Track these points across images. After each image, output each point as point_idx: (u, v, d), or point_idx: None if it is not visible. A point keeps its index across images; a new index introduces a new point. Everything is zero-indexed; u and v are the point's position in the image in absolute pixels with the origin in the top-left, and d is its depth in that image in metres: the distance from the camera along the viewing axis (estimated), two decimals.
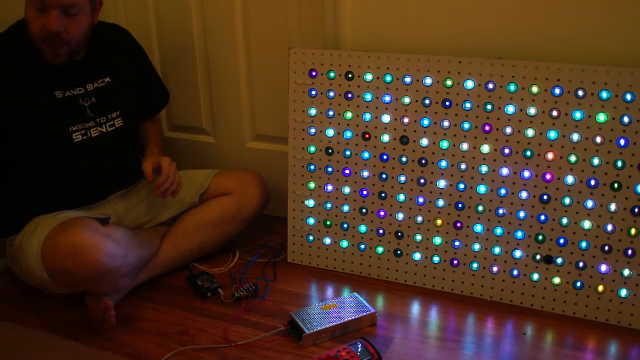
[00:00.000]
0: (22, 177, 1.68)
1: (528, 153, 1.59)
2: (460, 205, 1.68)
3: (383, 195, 1.75)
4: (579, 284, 1.59)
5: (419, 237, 1.74)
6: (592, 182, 1.54)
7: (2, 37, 1.64)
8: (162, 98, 1.99)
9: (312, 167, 1.82)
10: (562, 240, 1.59)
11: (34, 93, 1.61)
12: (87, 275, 1.50)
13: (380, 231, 1.77)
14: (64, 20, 1.54)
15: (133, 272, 1.66)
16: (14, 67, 1.60)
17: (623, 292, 1.55)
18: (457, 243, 1.70)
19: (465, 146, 1.65)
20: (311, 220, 1.85)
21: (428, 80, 1.65)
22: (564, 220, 1.58)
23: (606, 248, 1.55)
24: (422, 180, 1.70)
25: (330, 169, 1.80)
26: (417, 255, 1.74)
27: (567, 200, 1.57)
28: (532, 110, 1.57)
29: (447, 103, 1.64)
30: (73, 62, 1.66)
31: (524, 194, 1.61)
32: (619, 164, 1.51)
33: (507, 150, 1.60)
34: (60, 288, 1.62)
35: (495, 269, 1.67)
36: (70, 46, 1.59)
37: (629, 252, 1.54)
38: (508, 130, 1.60)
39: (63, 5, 1.52)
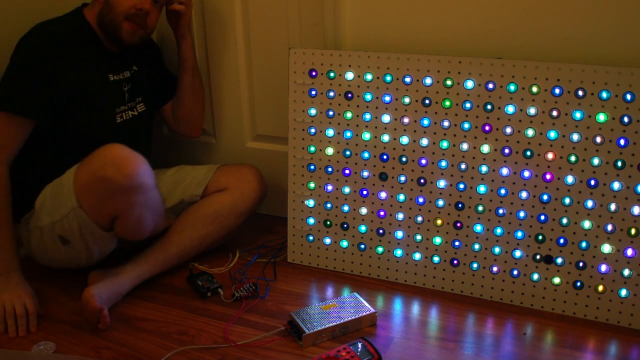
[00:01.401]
0: (48, 154, 1.75)
1: (528, 153, 1.59)
2: (460, 205, 1.68)
3: (383, 195, 1.75)
4: (579, 284, 1.59)
5: (419, 237, 1.74)
6: (592, 182, 1.54)
7: (63, 20, 1.77)
8: (175, 85, 2.04)
9: (312, 167, 1.82)
10: (562, 240, 1.59)
11: (94, 72, 1.77)
12: (124, 183, 1.51)
13: (380, 231, 1.77)
14: (152, 4, 1.75)
15: (155, 214, 1.66)
16: (77, 46, 1.73)
17: (623, 292, 1.55)
18: (457, 243, 1.70)
19: (465, 146, 1.65)
20: (311, 220, 1.85)
21: (428, 80, 1.65)
22: (564, 220, 1.58)
23: (606, 248, 1.56)
24: (422, 180, 1.70)
25: (330, 169, 1.80)
26: (417, 255, 1.74)
27: (567, 200, 1.57)
28: (532, 110, 1.57)
29: (447, 103, 1.64)
30: (118, 51, 1.82)
31: (524, 194, 1.61)
32: (619, 164, 1.51)
33: (507, 150, 1.60)
34: (84, 231, 1.62)
35: (495, 269, 1.67)
36: (145, 31, 1.78)
37: (629, 252, 1.54)
38: (508, 130, 1.60)
39: None
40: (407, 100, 1.68)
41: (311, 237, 1.86)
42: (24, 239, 1.77)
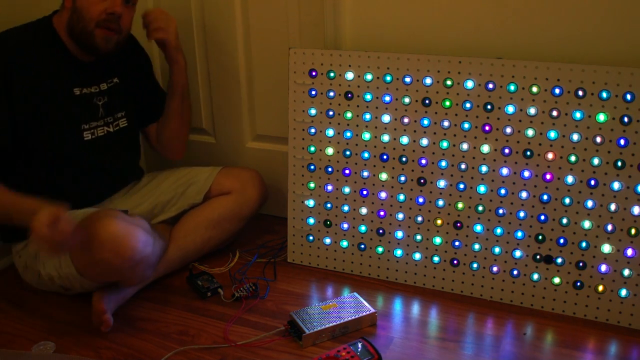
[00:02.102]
0: (26, 175, 1.68)
1: (528, 153, 1.59)
2: (460, 205, 1.68)
3: (383, 194, 1.75)
4: (579, 284, 1.59)
5: (419, 237, 1.74)
6: (592, 182, 1.54)
7: (28, 28, 1.65)
8: (163, 103, 1.97)
9: (312, 167, 1.82)
10: (562, 240, 1.59)
11: (54, 86, 1.64)
12: (123, 264, 1.50)
13: (380, 231, 1.77)
14: (123, 6, 1.63)
15: (156, 263, 1.67)
16: (38, 57, 1.62)
17: (623, 292, 1.55)
18: (457, 243, 1.70)
19: (465, 146, 1.65)
20: (311, 220, 1.85)
21: (428, 80, 1.65)
22: (564, 220, 1.58)
23: (606, 248, 1.56)
24: (422, 180, 1.70)
25: (330, 169, 1.80)
26: (417, 255, 1.74)
27: (567, 200, 1.57)
28: (532, 110, 1.57)
29: (447, 103, 1.64)
30: (93, 60, 1.70)
31: (524, 194, 1.61)
32: (619, 164, 1.51)
33: (507, 150, 1.60)
34: (86, 286, 1.61)
35: (495, 269, 1.67)
36: (121, 35, 1.66)
37: (629, 252, 1.54)
38: (508, 130, 1.60)
39: None
40: (407, 100, 1.68)
41: (311, 237, 1.86)
42: (18, 266, 1.75)
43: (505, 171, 1.62)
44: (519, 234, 1.63)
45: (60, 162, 1.68)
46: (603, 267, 1.56)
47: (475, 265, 1.69)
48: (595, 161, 1.53)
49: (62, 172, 1.70)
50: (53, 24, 1.66)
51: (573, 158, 1.55)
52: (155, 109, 1.92)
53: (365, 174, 1.76)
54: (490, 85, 1.59)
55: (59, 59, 1.65)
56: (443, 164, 1.67)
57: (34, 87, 1.60)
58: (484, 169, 1.64)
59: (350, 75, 1.72)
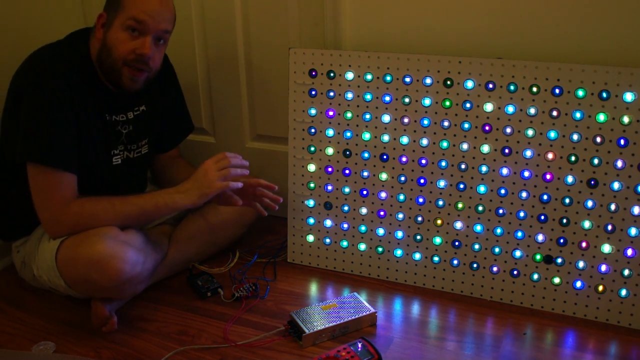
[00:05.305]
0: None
1: (528, 153, 1.59)
2: (460, 205, 1.68)
3: (383, 194, 1.75)
4: (579, 284, 1.59)
5: (418, 237, 1.74)
6: (592, 182, 1.54)
7: (69, 51, 1.59)
8: (186, 131, 1.95)
9: (312, 167, 1.82)
10: (562, 240, 1.59)
11: (89, 112, 1.59)
12: (110, 284, 1.51)
13: (381, 231, 1.77)
14: (153, 47, 1.56)
15: (150, 276, 1.67)
16: (75, 81, 1.56)
17: (623, 292, 1.55)
18: (457, 243, 1.70)
19: (465, 146, 1.65)
20: (311, 220, 1.85)
21: (428, 80, 1.65)
22: (564, 220, 1.58)
23: (606, 248, 1.56)
24: (422, 180, 1.70)
25: (330, 169, 1.80)
26: (417, 255, 1.74)
27: (567, 200, 1.57)
28: (532, 110, 1.57)
29: (447, 103, 1.64)
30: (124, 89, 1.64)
31: (524, 194, 1.61)
32: (619, 163, 1.51)
33: (507, 150, 1.60)
34: (76, 295, 1.62)
35: (495, 269, 1.67)
36: (149, 74, 1.60)
37: (629, 252, 1.54)
38: (508, 130, 1.60)
39: (161, 32, 1.56)
40: (407, 100, 1.68)
41: (311, 237, 1.86)
42: (16, 262, 1.76)
43: (505, 171, 1.62)
44: (519, 234, 1.63)
45: (88, 186, 1.62)
46: (603, 267, 1.56)
47: (475, 265, 1.69)
48: (595, 161, 1.53)
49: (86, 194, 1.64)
50: (90, 49, 1.60)
51: (573, 158, 1.55)
52: (178, 133, 1.90)
53: (365, 174, 1.76)
54: (490, 85, 1.59)
55: (92, 85, 1.60)
56: (443, 164, 1.67)
57: (80, 112, 1.56)
58: (484, 169, 1.64)
59: (350, 75, 1.72)
